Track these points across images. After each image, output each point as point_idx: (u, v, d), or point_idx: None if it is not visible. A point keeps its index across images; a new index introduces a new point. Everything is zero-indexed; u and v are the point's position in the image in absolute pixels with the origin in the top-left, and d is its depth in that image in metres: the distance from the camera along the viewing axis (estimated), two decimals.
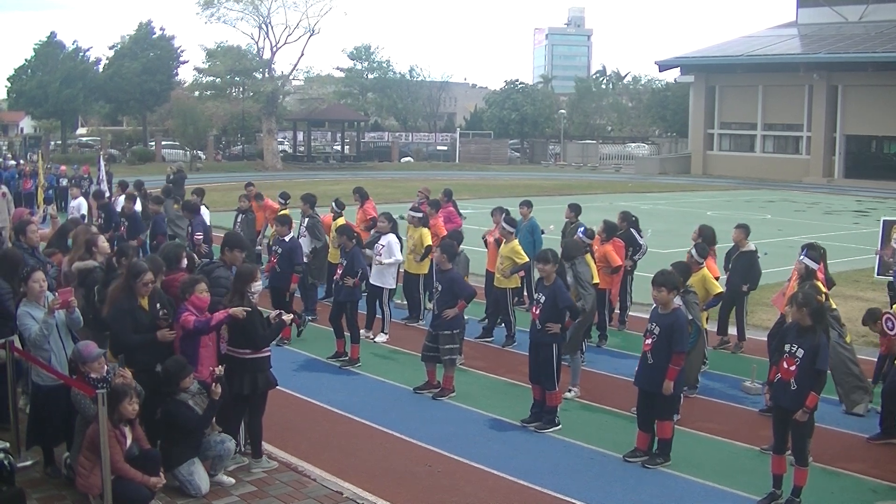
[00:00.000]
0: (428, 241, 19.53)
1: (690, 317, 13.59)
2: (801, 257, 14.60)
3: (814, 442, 11.40)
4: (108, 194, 28.32)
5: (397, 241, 19.11)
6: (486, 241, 20.21)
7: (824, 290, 14.25)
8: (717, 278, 16.67)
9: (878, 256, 21.03)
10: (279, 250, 18.50)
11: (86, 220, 22.55)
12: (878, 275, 21.14)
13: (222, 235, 16.32)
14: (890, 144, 79.30)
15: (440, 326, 15.07)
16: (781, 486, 11.25)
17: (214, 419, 11.64)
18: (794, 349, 11.00)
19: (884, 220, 21.60)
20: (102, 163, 37.93)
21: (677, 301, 12.66)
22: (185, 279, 12.10)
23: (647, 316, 12.97)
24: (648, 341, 12.37)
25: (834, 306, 14.45)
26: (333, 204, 21.77)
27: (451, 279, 15.22)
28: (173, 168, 40.27)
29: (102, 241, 14.22)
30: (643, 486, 11.79)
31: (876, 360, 15.73)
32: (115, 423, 10.04)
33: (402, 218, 20.73)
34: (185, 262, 13.71)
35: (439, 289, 15.32)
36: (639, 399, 12.68)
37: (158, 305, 11.58)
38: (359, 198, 23.36)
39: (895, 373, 13.53)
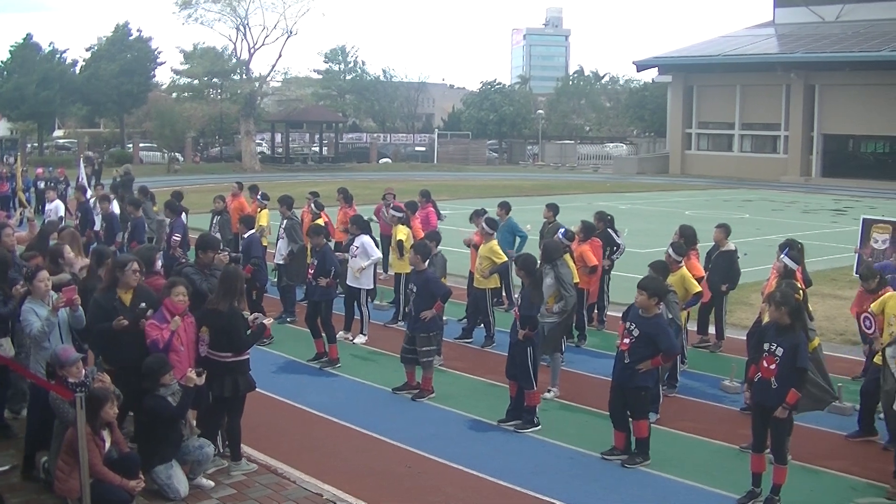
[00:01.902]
0: (400, 236, 19.59)
1: (670, 316, 13.66)
2: (782, 256, 14.64)
3: (793, 440, 11.45)
4: (89, 193, 28.22)
5: (370, 240, 19.09)
6: (468, 244, 20.21)
7: (802, 287, 14.28)
8: (701, 278, 16.70)
9: (857, 255, 21.10)
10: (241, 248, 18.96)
11: (63, 223, 22.47)
12: (856, 273, 21.19)
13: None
14: (867, 143, 79.53)
15: (417, 328, 15.07)
16: (761, 485, 11.29)
17: (195, 422, 11.65)
18: (774, 348, 11.04)
19: (864, 219, 21.68)
20: (83, 165, 37.82)
21: (660, 306, 12.72)
22: (166, 283, 12.08)
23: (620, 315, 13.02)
24: (626, 340, 12.40)
25: (810, 308, 14.45)
26: (312, 205, 21.75)
27: (426, 279, 15.23)
28: (120, 170, 40.21)
29: (68, 252, 14.11)
30: (623, 485, 11.82)
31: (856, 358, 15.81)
32: (96, 429, 10.01)
33: (371, 220, 20.74)
34: (158, 263, 13.74)
35: (414, 290, 15.33)
36: (611, 397, 12.71)
37: (144, 304, 11.60)
38: (342, 199, 23.36)
39: (874, 371, 13.57)
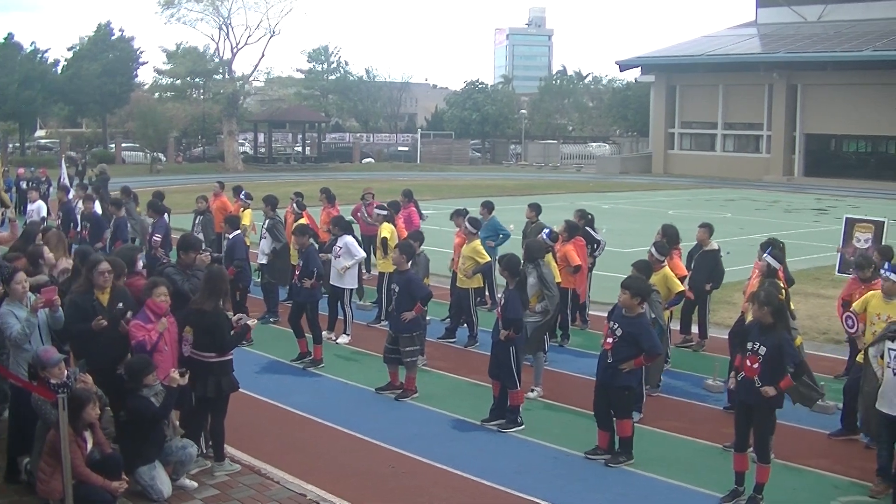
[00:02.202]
0: (384, 233, 19.54)
1: (653, 315, 13.67)
2: (765, 255, 14.65)
3: (776, 439, 11.48)
4: (71, 193, 28.13)
5: (353, 240, 19.08)
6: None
7: (784, 286, 14.29)
8: (683, 277, 16.71)
9: (839, 254, 21.12)
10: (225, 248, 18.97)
11: (45, 223, 22.40)
12: (838, 272, 21.23)
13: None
14: (849, 143, 79.97)
15: (399, 328, 15.07)
16: (744, 483, 11.31)
17: (178, 423, 11.62)
18: (757, 347, 11.07)
19: (847, 218, 21.67)
20: (65, 165, 37.71)
21: (644, 306, 12.74)
22: (146, 282, 12.05)
23: (604, 314, 13.02)
24: (609, 340, 12.42)
25: (793, 307, 14.48)
26: (294, 205, 21.71)
27: (407, 280, 15.21)
28: (96, 170, 40.03)
29: (48, 253, 14.07)
30: (607, 484, 11.83)
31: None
32: (78, 430, 9.98)
33: (350, 222, 20.69)
34: (140, 264, 13.69)
35: (397, 290, 15.32)
36: (596, 397, 12.72)
37: (122, 305, 11.58)
38: (325, 199, 23.30)
39: (856, 370, 13.60)
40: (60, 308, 11.47)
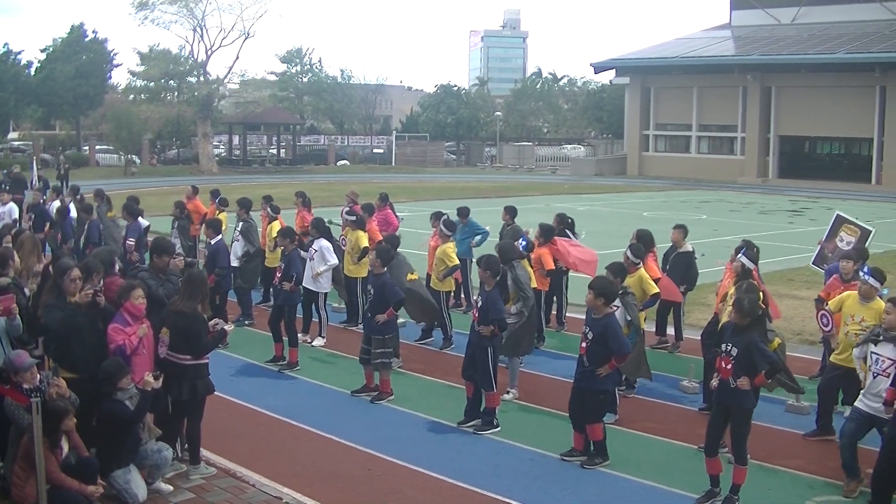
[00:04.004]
0: (364, 243, 19.46)
1: (629, 318, 13.71)
2: (740, 256, 14.68)
3: (751, 439, 11.49)
4: (43, 196, 27.99)
5: (329, 245, 19.00)
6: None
7: (761, 288, 14.31)
8: (657, 279, 16.76)
9: (819, 246, 20.97)
10: (206, 253, 18.86)
11: (18, 226, 22.29)
12: (812, 263, 21.13)
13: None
14: (823, 145, 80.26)
15: (373, 331, 15.11)
16: (719, 485, 11.34)
17: (153, 424, 11.58)
18: (730, 348, 11.13)
19: (837, 214, 21.45)
20: (35, 167, 37.52)
21: (614, 304, 12.77)
22: (122, 285, 11.99)
23: (583, 317, 13.04)
24: (584, 344, 12.48)
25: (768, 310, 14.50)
26: (268, 208, 21.65)
27: (382, 283, 15.22)
28: (14, 170, 39.72)
29: (17, 256, 13.98)
30: (583, 486, 11.85)
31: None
32: (55, 439, 9.93)
33: (331, 223, 20.59)
34: (116, 267, 13.62)
35: (372, 293, 15.33)
36: (571, 399, 12.74)
37: (93, 290, 11.56)
38: (301, 202, 23.24)
39: (830, 370, 13.68)
40: (18, 316, 11.40)
